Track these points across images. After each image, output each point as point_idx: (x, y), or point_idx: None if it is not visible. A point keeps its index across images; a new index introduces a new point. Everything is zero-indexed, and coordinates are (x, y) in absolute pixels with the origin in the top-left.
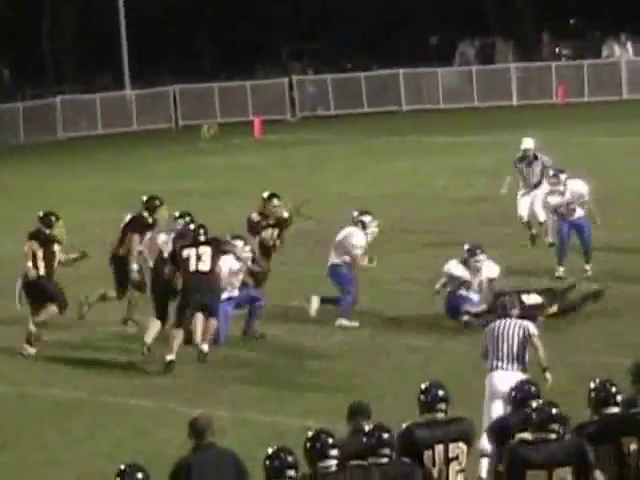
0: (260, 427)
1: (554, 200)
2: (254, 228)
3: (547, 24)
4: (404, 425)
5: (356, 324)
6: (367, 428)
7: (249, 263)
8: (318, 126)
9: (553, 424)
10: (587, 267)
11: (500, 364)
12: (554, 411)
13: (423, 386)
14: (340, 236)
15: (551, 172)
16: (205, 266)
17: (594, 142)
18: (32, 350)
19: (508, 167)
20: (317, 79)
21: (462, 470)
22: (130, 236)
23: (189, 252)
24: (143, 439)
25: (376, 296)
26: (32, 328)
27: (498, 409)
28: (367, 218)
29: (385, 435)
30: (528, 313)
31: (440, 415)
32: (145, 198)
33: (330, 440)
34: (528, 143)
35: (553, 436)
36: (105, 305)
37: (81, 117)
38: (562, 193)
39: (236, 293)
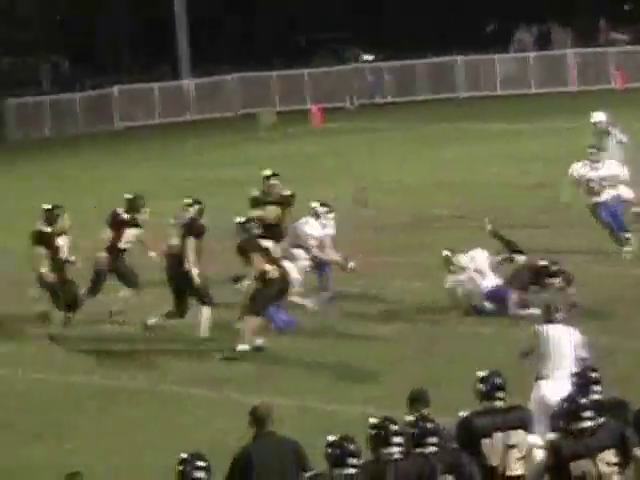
0: (320, 415)
1: (590, 173)
2: (255, 202)
3: (603, 10)
4: (463, 414)
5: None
6: (408, 419)
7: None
8: (375, 114)
9: (586, 412)
10: (627, 235)
11: (551, 373)
12: (583, 401)
13: (481, 374)
14: (295, 225)
15: (589, 150)
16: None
17: None
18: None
19: (569, 152)
20: (374, 67)
21: (522, 457)
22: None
23: (267, 243)
24: (202, 429)
25: (435, 283)
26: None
27: (544, 418)
28: (322, 209)
29: (429, 425)
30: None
31: (498, 403)
32: (129, 197)
33: (394, 427)
34: (598, 116)
35: (589, 423)
36: (165, 294)
37: (138, 107)
38: (598, 169)
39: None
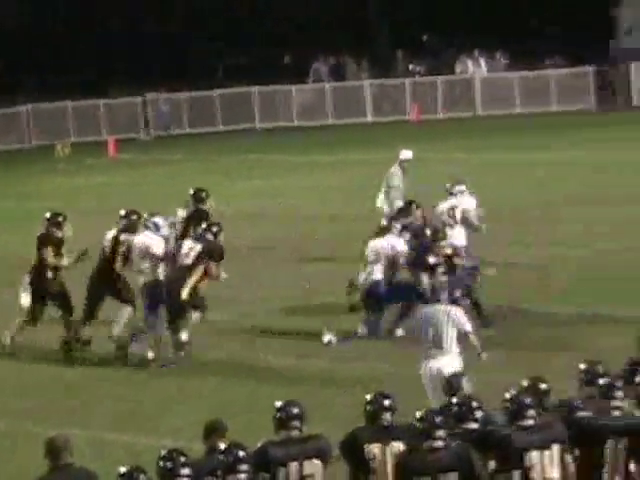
0: (117, 447)
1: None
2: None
3: (401, 41)
4: (259, 443)
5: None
6: (223, 446)
7: None
8: (172, 145)
9: (438, 431)
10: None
11: (432, 351)
12: (438, 419)
13: (278, 404)
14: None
15: (447, 184)
16: None
17: (449, 159)
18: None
19: (365, 184)
20: (170, 97)
21: None
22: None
23: None
24: (5, 462)
25: (236, 314)
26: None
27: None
28: (159, 220)
29: (241, 453)
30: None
31: (295, 432)
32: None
33: (182, 459)
34: (407, 154)
35: (439, 443)
36: None
37: None
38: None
39: None
